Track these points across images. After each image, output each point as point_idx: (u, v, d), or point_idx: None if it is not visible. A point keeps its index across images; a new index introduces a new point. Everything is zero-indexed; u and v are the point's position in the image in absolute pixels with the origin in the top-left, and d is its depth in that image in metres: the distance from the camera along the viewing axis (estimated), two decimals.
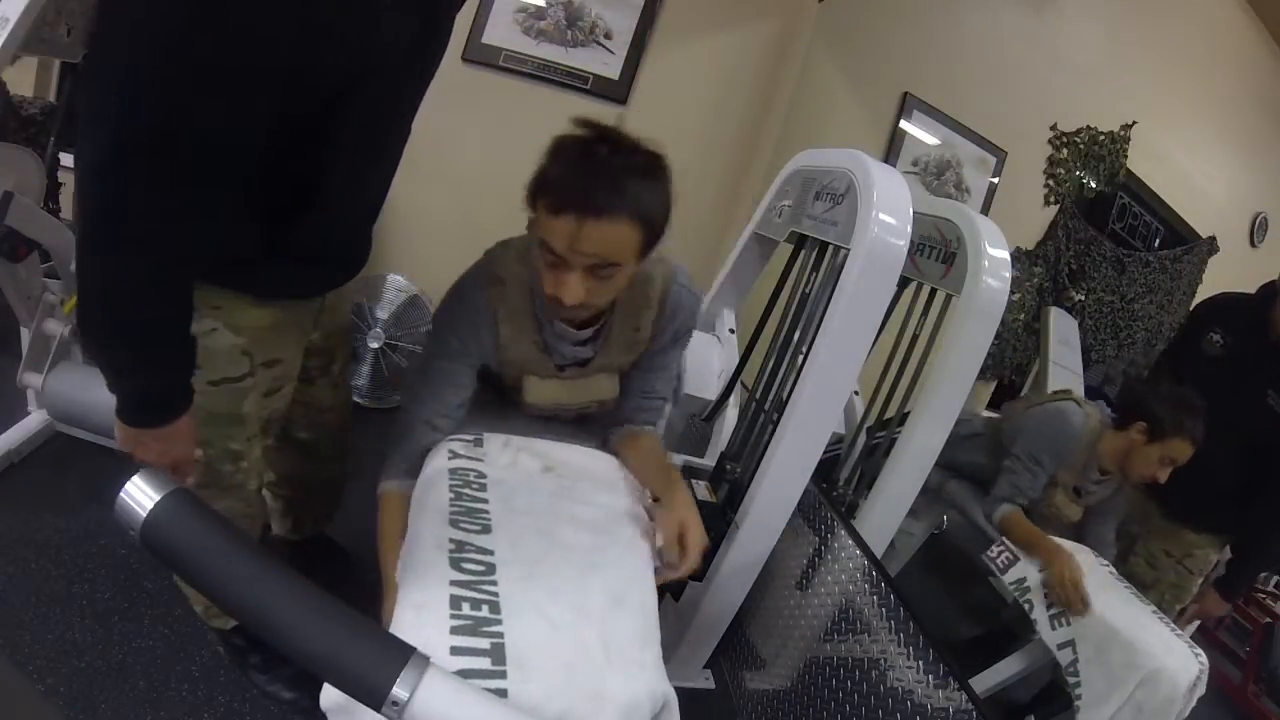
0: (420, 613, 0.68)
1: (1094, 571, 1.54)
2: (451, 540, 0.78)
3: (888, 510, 1.41)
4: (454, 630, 0.66)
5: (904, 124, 2.85)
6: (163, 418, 0.78)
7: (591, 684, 0.67)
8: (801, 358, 1.25)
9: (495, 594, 0.72)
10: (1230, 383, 1.70)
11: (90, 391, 1.56)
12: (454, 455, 0.94)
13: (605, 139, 0.80)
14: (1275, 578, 2.94)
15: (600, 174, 0.77)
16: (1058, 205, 3.38)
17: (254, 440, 0.98)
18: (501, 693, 0.63)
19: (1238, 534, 1.73)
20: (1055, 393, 1.82)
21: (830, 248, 1.32)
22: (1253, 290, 1.85)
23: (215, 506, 0.90)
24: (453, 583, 0.72)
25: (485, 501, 0.86)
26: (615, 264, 0.81)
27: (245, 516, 1.05)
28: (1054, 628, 1.43)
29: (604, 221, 0.77)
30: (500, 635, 0.67)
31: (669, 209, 0.84)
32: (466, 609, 0.69)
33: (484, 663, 0.64)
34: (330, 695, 0.63)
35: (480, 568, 0.75)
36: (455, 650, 0.64)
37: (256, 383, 0.93)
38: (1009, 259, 1.34)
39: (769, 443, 1.25)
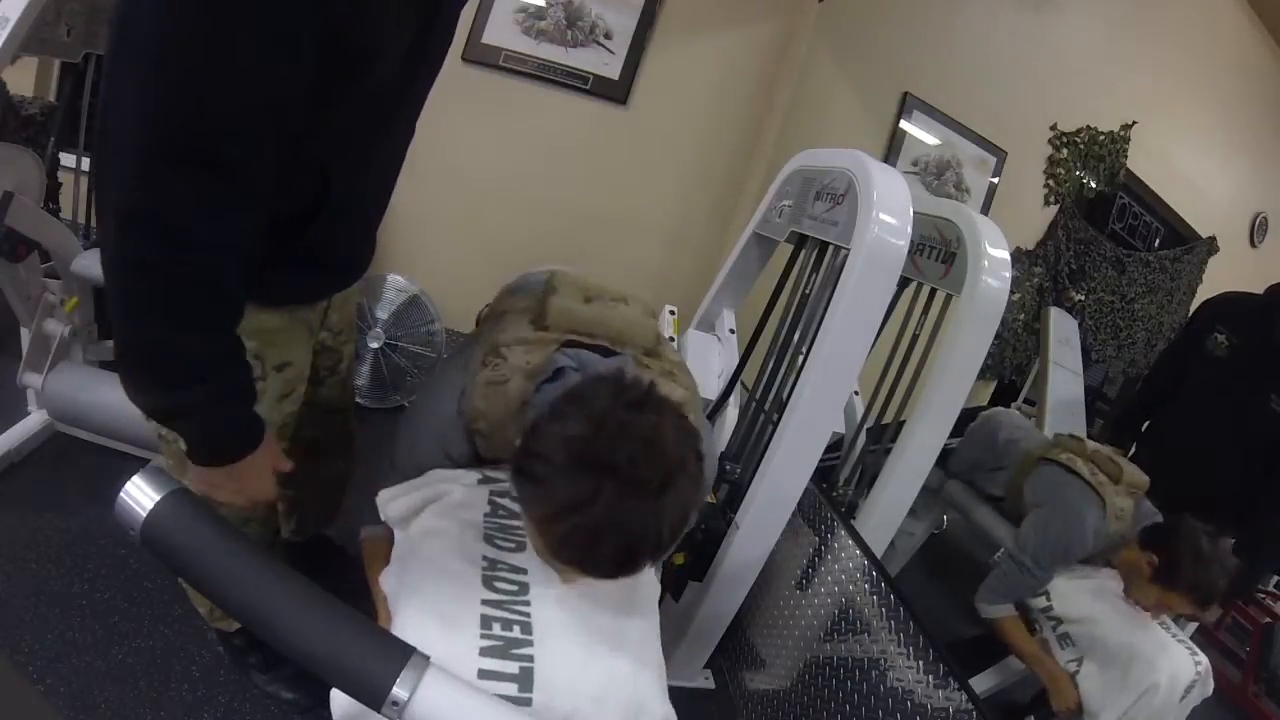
0: (450, 628, 0.66)
1: (1096, 579, 1.53)
2: (485, 558, 0.75)
3: (888, 510, 1.41)
4: (483, 651, 0.65)
5: (904, 124, 2.85)
6: (239, 452, 0.73)
7: (619, 715, 0.67)
8: (801, 358, 1.25)
9: (527, 615, 0.70)
10: (1233, 384, 1.69)
11: (90, 391, 1.56)
12: (485, 479, 0.89)
13: (613, 467, 0.60)
14: (1275, 578, 2.94)
15: (630, 543, 0.61)
16: (1058, 205, 3.38)
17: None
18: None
19: (1244, 535, 1.72)
20: (1076, 449, 1.59)
21: (830, 248, 1.32)
22: (1254, 289, 1.84)
23: (232, 512, 0.91)
24: (484, 602, 0.70)
25: (519, 517, 0.82)
26: None
27: (261, 522, 1.04)
28: (1062, 647, 1.43)
29: (628, 575, 0.66)
30: (530, 659, 0.66)
31: (692, 508, 0.66)
32: (497, 629, 0.67)
33: (510, 688, 0.63)
34: (340, 704, 0.63)
35: (513, 588, 0.73)
36: (483, 673, 0.63)
37: (268, 387, 0.90)
38: (1009, 259, 1.34)
39: (769, 443, 1.25)
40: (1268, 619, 2.53)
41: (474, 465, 0.90)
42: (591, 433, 0.62)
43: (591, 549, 0.62)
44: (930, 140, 2.95)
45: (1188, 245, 3.96)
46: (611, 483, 0.60)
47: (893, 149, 2.86)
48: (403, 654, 0.54)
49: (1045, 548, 1.45)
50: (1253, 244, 4.18)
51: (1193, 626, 1.86)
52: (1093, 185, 3.43)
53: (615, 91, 2.38)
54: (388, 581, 0.79)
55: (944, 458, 1.74)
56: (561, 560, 0.65)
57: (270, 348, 0.88)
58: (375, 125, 0.80)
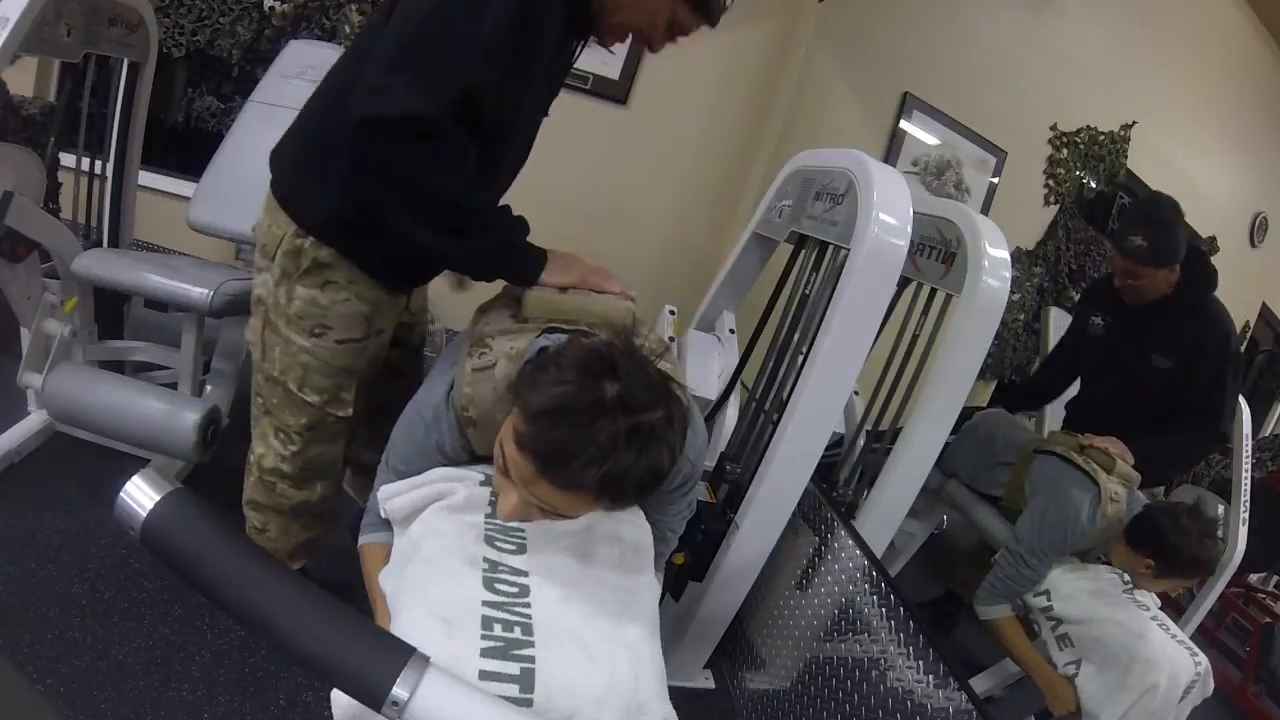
0: (450, 628, 0.66)
1: (1095, 579, 1.52)
2: (485, 559, 0.75)
3: (888, 510, 1.41)
4: (484, 652, 0.64)
5: (904, 124, 2.85)
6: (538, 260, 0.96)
7: (620, 715, 0.67)
8: (801, 358, 1.25)
9: (529, 616, 0.70)
10: (1117, 354, 1.85)
11: (90, 391, 1.56)
12: (488, 480, 0.88)
13: (615, 374, 0.67)
14: (1275, 578, 2.95)
15: (587, 442, 0.65)
16: (1058, 205, 3.38)
17: (359, 395, 1.15)
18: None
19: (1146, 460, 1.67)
20: (1083, 449, 1.60)
21: (830, 248, 1.32)
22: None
23: (317, 450, 1.15)
24: (485, 603, 0.69)
25: None
26: (568, 517, 0.75)
27: (334, 465, 1.20)
28: (1061, 648, 1.43)
29: (564, 492, 0.68)
30: (531, 660, 0.66)
31: (660, 474, 0.70)
32: (498, 630, 0.67)
33: (511, 689, 0.63)
34: (340, 704, 0.63)
35: (514, 589, 0.72)
36: (484, 674, 0.63)
37: (368, 345, 1.11)
38: (1009, 259, 1.34)
39: (769, 443, 1.25)
40: (1268, 619, 2.54)
41: (470, 462, 0.90)
42: (594, 351, 0.70)
43: (577, 429, 0.65)
44: (930, 140, 2.95)
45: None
46: (617, 383, 0.66)
47: (893, 149, 2.86)
48: (403, 654, 0.53)
49: (1043, 537, 1.47)
50: (1253, 244, 4.18)
51: (1193, 626, 1.87)
52: (1093, 185, 3.43)
53: (615, 91, 2.38)
54: (388, 581, 0.79)
55: (944, 458, 1.74)
56: (533, 443, 0.67)
57: (376, 315, 1.09)
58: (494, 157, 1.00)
